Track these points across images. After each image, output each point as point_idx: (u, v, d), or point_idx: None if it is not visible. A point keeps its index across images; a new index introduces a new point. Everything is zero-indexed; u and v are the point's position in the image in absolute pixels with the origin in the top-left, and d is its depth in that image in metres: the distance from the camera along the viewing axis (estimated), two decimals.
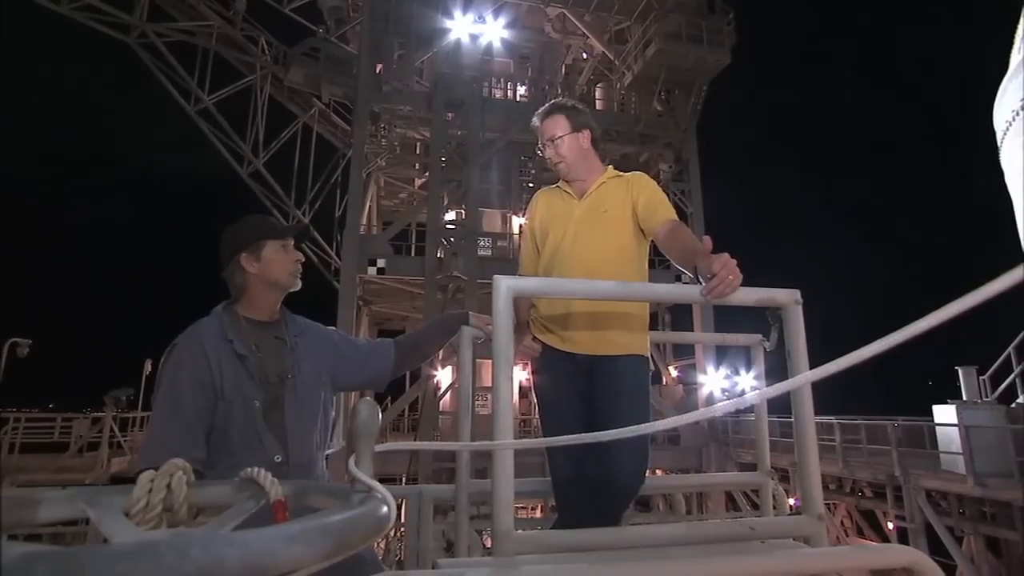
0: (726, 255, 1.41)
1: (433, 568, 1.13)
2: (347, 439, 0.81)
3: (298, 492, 0.82)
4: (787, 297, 1.42)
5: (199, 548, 0.42)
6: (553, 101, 2.17)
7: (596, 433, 1.09)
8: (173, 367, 1.47)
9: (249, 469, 0.82)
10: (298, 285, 1.67)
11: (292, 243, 1.67)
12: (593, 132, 2.09)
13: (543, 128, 2.08)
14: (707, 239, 1.43)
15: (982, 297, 0.70)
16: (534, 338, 1.97)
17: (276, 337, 1.62)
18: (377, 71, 15.95)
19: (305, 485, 0.84)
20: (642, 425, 1.11)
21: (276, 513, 0.77)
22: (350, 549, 0.53)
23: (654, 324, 2.06)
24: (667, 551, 1.26)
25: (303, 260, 1.69)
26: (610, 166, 2.10)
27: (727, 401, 0.96)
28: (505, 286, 1.26)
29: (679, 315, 19.28)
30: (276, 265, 1.61)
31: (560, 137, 2.03)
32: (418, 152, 19.16)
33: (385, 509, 0.62)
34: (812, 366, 1.39)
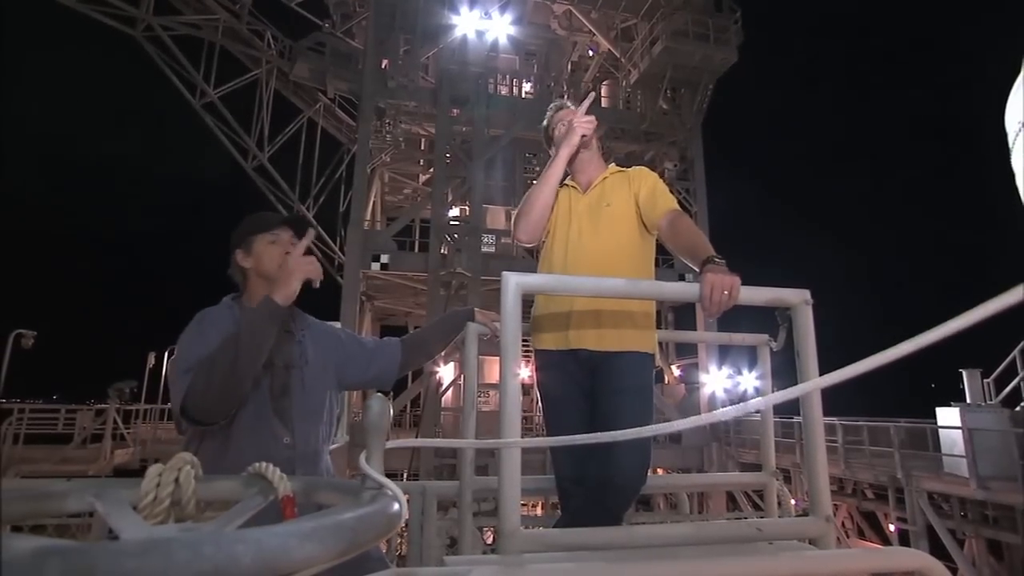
0: (718, 277, 1.40)
1: (440, 565, 1.12)
2: (352, 434, 0.80)
3: (307, 488, 0.81)
4: (797, 297, 1.41)
5: (212, 545, 0.41)
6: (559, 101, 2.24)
7: (601, 434, 1.08)
8: (197, 330, 1.49)
9: (257, 464, 0.81)
10: None
11: (286, 236, 1.66)
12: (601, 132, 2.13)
13: (562, 114, 2.13)
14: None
15: (995, 309, 0.68)
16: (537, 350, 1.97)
17: (285, 331, 1.62)
18: (382, 66, 15.92)
19: (314, 481, 0.83)
20: (648, 427, 1.10)
21: (284, 509, 0.77)
22: (362, 547, 0.52)
23: (657, 322, 2.05)
24: (675, 551, 1.25)
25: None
26: (612, 163, 2.11)
27: (734, 406, 0.94)
28: (514, 282, 1.25)
29: (682, 313, 19.24)
30: (265, 259, 1.62)
31: (589, 113, 2.06)
32: (423, 148, 19.14)
33: (397, 506, 0.61)
34: (820, 367, 1.38)
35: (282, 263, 1.45)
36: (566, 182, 2.12)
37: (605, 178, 2.02)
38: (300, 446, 1.51)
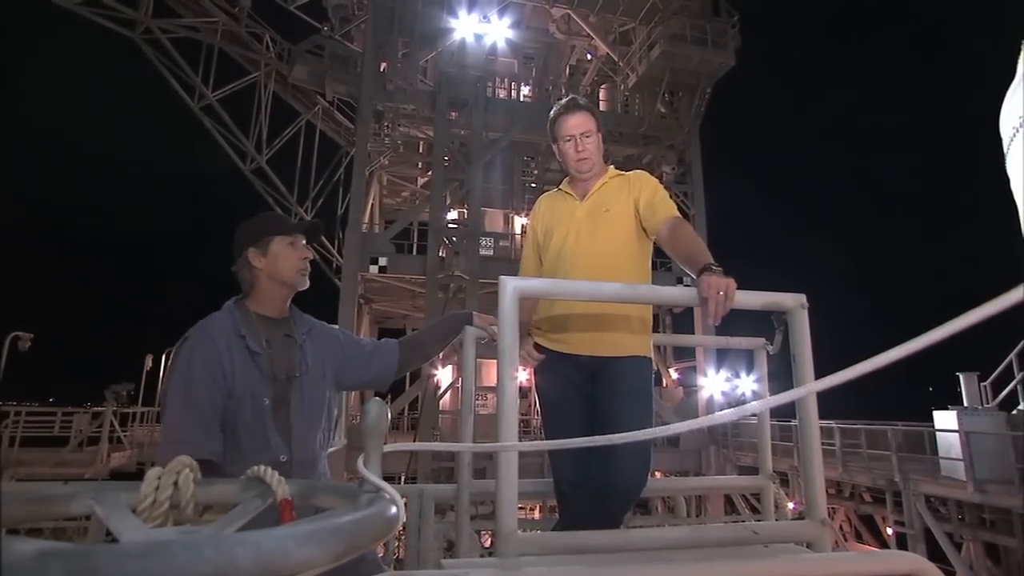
0: (713, 278, 1.41)
1: (437, 568, 1.13)
2: (350, 437, 0.81)
3: (304, 491, 0.81)
4: (792, 301, 1.42)
5: (212, 548, 0.42)
6: (573, 97, 2.09)
7: (600, 437, 1.08)
8: (185, 363, 1.46)
9: (256, 467, 0.82)
10: (305, 284, 1.65)
11: (302, 241, 1.66)
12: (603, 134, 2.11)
13: (571, 123, 1.98)
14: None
15: (996, 309, 0.69)
16: (536, 346, 1.96)
17: (286, 335, 1.62)
18: (381, 69, 15.96)
19: (312, 485, 0.83)
20: (647, 430, 1.11)
21: (282, 512, 0.77)
22: (360, 550, 0.53)
23: (655, 326, 2.05)
24: (671, 554, 1.26)
25: (311, 258, 1.68)
26: (611, 166, 2.10)
27: (731, 409, 0.95)
28: (511, 286, 1.25)
29: (680, 316, 19.25)
30: (283, 261, 1.60)
31: (592, 134, 2.00)
32: (421, 151, 19.16)
33: (394, 510, 0.62)
34: (817, 369, 1.39)
35: None
36: (562, 188, 2.12)
37: (604, 183, 2.01)
38: (297, 457, 1.51)
